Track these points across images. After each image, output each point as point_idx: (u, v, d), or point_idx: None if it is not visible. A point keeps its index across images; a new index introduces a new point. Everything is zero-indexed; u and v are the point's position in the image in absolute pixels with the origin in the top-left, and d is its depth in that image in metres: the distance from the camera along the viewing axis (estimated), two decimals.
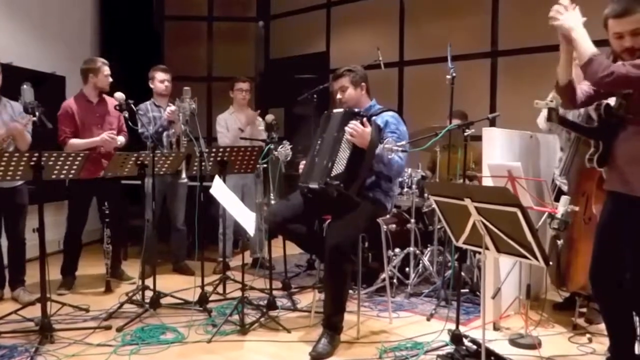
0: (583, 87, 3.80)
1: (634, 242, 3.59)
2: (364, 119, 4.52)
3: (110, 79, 6.26)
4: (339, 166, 4.48)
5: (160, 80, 6.72)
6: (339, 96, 4.94)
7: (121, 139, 6.32)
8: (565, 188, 5.04)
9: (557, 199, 4.48)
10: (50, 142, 5.68)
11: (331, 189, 4.44)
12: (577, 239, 4.90)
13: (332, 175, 4.46)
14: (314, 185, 4.57)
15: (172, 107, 6.15)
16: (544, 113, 5.13)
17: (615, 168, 3.68)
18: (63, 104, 6.16)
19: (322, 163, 4.60)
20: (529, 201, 4.45)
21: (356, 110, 4.70)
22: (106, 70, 6.21)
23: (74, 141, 5.99)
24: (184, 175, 5.74)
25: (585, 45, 3.45)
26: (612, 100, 3.75)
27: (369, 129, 4.47)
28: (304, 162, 4.95)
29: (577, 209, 4.46)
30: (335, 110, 4.82)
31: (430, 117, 7.38)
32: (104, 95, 6.30)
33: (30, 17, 7.79)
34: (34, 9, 7.85)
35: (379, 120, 4.78)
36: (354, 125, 4.45)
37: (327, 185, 4.44)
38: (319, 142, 4.78)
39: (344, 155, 4.50)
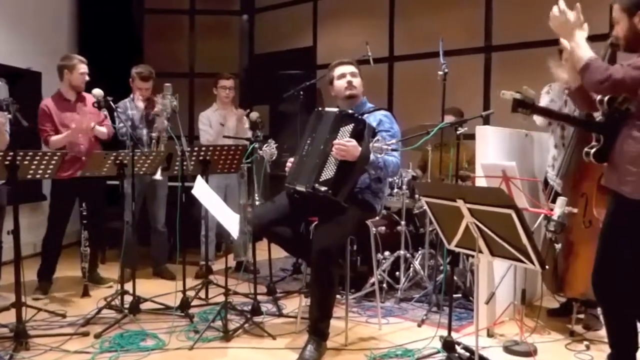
0: None
1: (630, 244, 3.61)
2: (355, 131, 4.49)
3: (87, 78, 6.22)
4: (329, 171, 4.46)
5: (138, 87, 6.67)
6: (348, 78, 4.88)
7: (103, 130, 6.27)
8: (560, 190, 5.05)
9: (553, 202, 4.49)
10: (26, 141, 5.64)
11: (319, 194, 4.44)
12: (576, 243, 4.90)
13: (320, 180, 4.45)
14: (300, 188, 4.57)
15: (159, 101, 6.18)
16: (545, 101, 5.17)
17: (612, 165, 3.72)
18: (40, 104, 6.13)
19: (310, 166, 4.59)
20: (524, 202, 4.46)
21: (350, 111, 4.69)
22: (82, 68, 6.17)
23: (54, 138, 5.97)
24: (158, 172, 5.71)
25: (582, 51, 3.56)
26: None
27: (355, 143, 4.42)
28: (291, 160, 4.94)
29: (575, 211, 4.47)
30: (328, 109, 4.81)
31: (421, 114, 7.39)
32: (83, 93, 6.27)
33: (5, 11, 7.74)
34: (8, 2, 7.79)
35: (371, 118, 4.78)
36: (339, 145, 4.40)
37: (315, 190, 4.44)
38: (308, 141, 4.76)
39: (334, 159, 4.47)
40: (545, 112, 4.50)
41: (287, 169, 4.90)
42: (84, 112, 6.05)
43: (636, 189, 3.52)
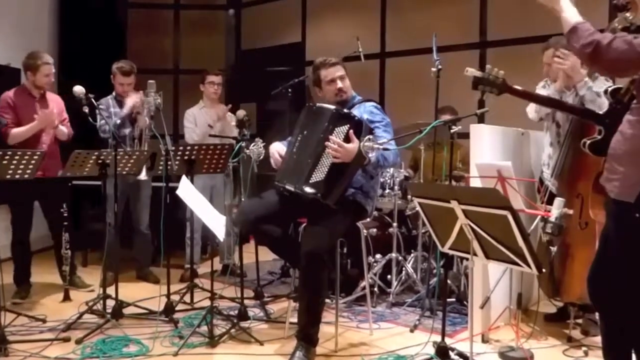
0: None
1: (619, 249, 3.41)
2: (351, 132, 4.42)
3: (52, 79, 6.15)
4: (320, 173, 4.44)
5: (120, 83, 6.64)
6: (339, 85, 4.86)
7: (64, 130, 6.23)
8: (555, 190, 5.04)
9: (549, 202, 4.48)
10: (2, 140, 5.63)
11: (308, 197, 4.43)
12: (572, 245, 4.89)
13: (310, 181, 4.44)
14: (290, 188, 4.55)
15: (136, 97, 6.14)
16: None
17: (606, 161, 3.50)
18: (2, 95, 6.03)
19: (301, 165, 4.56)
20: (520, 203, 4.46)
21: (345, 111, 4.66)
22: (46, 70, 6.05)
23: (16, 130, 5.87)
24: (144, 172, 5.69)
25: (569, 14, 3.38)
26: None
27: (354, 144, 4.33)
28: (276, 147, 4.95)
29: (571, 212, 4.46)
30: (322, 106, 4.77)
31: (414, 112, 7.39)
32: (47, 92, 6.23)
33: None
34: None
35: (362, 109, 4.77)
36: (335, 146, 4.33)
37: (304, 192, 4.43)
38: (299, 138, 4.72)
39: (326, 161, 4.43)
40: (517, 93, 4.39)
41: (272, 161, 4.90)
42: (48, 111, 5.96)
43: (620, 189, 3.29)
